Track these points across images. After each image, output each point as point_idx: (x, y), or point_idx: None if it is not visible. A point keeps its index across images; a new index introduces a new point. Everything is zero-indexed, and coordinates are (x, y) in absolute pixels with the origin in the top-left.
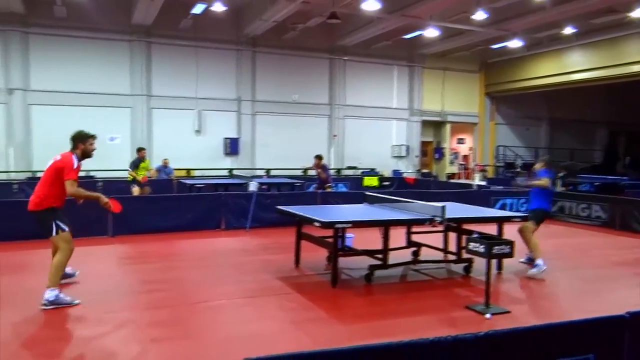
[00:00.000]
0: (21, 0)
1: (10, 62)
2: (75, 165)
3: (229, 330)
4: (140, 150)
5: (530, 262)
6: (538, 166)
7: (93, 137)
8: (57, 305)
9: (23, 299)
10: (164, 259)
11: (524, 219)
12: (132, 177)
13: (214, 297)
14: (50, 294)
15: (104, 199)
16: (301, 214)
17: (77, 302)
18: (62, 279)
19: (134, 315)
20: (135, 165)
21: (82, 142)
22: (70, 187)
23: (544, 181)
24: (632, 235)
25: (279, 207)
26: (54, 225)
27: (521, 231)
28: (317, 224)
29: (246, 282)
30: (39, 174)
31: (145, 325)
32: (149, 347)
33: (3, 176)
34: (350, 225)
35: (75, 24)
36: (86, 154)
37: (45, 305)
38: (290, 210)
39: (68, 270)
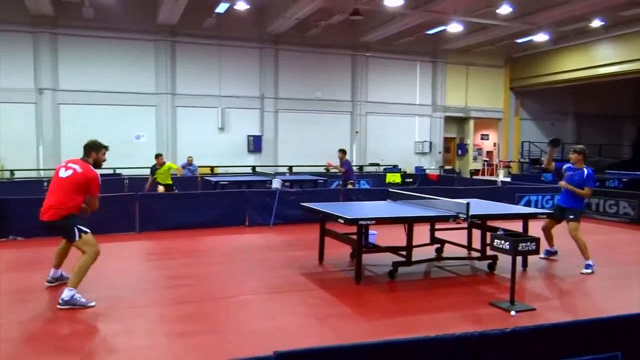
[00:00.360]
0: (51, 2)
1: (40, 63)
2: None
3: (255, 325)
4: (157, 156)
5: (550, 255)
6: (574, 158)
7: (106, 147)
8: (72, 305)
9: (50, 294)
10: (189, 255)
11: (549, 215)
12: (154, 179)
13: (239, 293)
14: (67, 294)
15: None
16: (325, 210)
17: (92, 304)
18: (56, 281)
19: (161, 310)
20: (152, 171)
21: (95, 152)
22: (98, 203)
23: (588, 191)
24: None
25: (303, 204)
26: (76, 230)
27: (573, 237)
28: (341, 220)
29: (271, 277)
30: None
31: (172, 320)
32: (176, 341)
33: (33, 174)
34: (373, 222)
35: (102, 25)
36: (97, 164)
37: (60, 304)
38: (315, 207)
39: (64, 272)
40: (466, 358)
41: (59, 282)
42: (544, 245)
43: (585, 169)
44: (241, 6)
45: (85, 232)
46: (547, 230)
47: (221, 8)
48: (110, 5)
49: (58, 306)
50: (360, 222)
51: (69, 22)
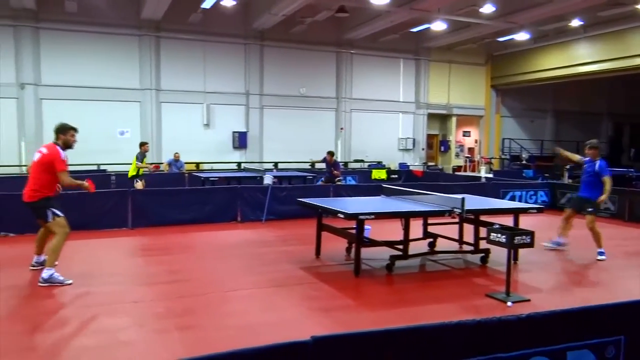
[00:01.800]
0: None
1: (21, 58)
2: (63, 156)
3: (262, 317)
4: (143, 144)
5: (558, 246)
6: (590, 152)
7: (74, 129)
8: (51, 283)
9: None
10: (185, 251)
11: (539, 210)
12: (140, 169)
13: (240, 286)
14: (46, 273)
15: (85, 184)
16: (324, 206)
17: (69, 282)
18: (39, 265)
19: (167, 303)
20: (144, 156)
21: (62, 134)
22: (66, 178)
23: (608, 180)
24: None
25: (300, 199)
26: (49, 213)
27: (590, 229)
28: (341, 215)
29: (270, 272)
30: None
31: (179, 313)
32: (179, 335)
33: (16, 170)
34: (373, 217)
35: (86, 19)
36: (67, 145)
37: (40, 282)
38: (313, 203)
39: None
40: (487, 340)
41: (42, 267)
42: (541, 238)
43: (597, 161)
44: (227, 2)
45: (59, 216)
46: (566, 220)
47: (207, 3)
48: None
49: (39, 284)
50: (360, 217)
51: (51, 16)
